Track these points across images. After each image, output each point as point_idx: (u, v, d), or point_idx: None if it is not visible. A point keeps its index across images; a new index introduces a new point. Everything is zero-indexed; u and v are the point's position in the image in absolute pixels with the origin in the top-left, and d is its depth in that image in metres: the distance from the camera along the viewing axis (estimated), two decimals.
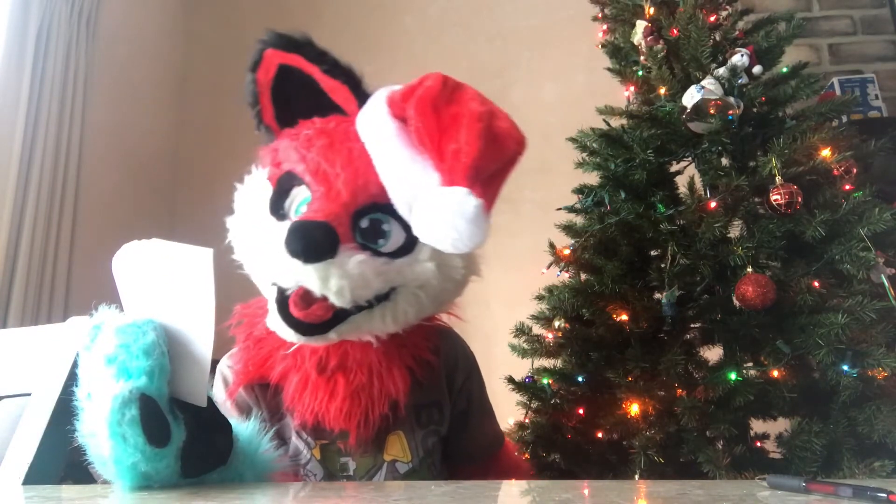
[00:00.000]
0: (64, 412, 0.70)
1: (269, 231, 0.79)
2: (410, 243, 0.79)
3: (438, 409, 0.93)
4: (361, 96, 0.85)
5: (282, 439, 0.87)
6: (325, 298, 0.74)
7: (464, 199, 0.69)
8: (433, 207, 0.71)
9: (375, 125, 0.80)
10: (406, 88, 0.78)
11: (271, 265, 0.76)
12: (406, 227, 0.78)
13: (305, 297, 0.75)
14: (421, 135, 0.74)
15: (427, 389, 0.91)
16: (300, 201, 0.81)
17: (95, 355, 0.58)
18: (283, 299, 0.76)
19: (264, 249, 0.78)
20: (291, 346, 0.83)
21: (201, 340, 0.60)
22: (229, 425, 0.66)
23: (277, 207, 0.82)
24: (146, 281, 0.63)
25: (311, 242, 0.72)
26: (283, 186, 0.82)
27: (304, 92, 0.87)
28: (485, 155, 0.72)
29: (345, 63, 0.85)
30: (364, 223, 0.79)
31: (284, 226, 0.77)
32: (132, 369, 0.56)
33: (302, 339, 0.79)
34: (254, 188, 0.86)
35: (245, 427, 0.70)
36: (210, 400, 0.62)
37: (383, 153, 0.78)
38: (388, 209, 0.78)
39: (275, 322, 0.78)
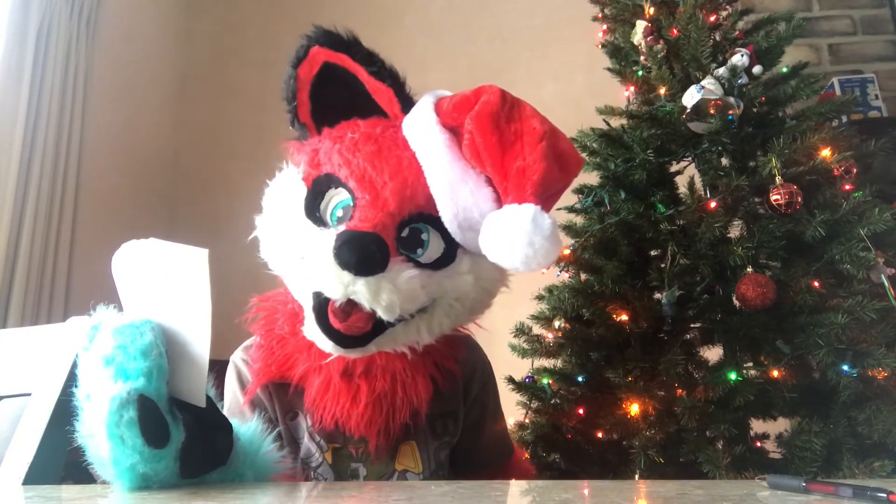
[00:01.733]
0: (64, 412, 0.70)
1: (311, 237, 0.77)
2: (450, 255, 0.79)
3: (454, 419, 0.92)
4: (404, 99, 0.84)
5: (293, 440, 0.87)
6: (365, 311, 0.73)
7: (539, 217, 0.69)
8: (506, 225, 0.70)
9: (425, 134, 0.79)
10: (460, 99, 0.77)
11: (317, 274, 0.73)
12: (445, 237, 0.78)
13: (345, 307, 0.73)
14: (480, 151, 0.73)
15: (445, 399, 0.89)
16: (336, 205, 0.79)
17: (93, 356, 0.58)
18: (321, 309, 0.74)
19: (307, 256, 0.75)
20: (314, 347, 0.80)
21: (199, 341, 0.60)
22: (229, 425, 0.65)
23: (313, 210, 0.80)
24: (144, 281, 0.63)
25: (367, 256, 0.70)
26: (319, 188, 0.81)
27: (346, 92, 0.85)
28: (551, 174, 0.72)
29: (390, 65, 0.84)
30: (405, 232, 0.77)
31: (327, 233, 0.75)
32: (130, 370, 0.56)
33: (342, 351, 0.77)
34: (286, 187, 0.84)
35: (246, 428, 0.70)
36: (210, 400, 0.62)
37: (434, 165, 0.77)
38: (430, 220, 0.78)
39: (313, 332, 0.76)
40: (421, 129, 0.79)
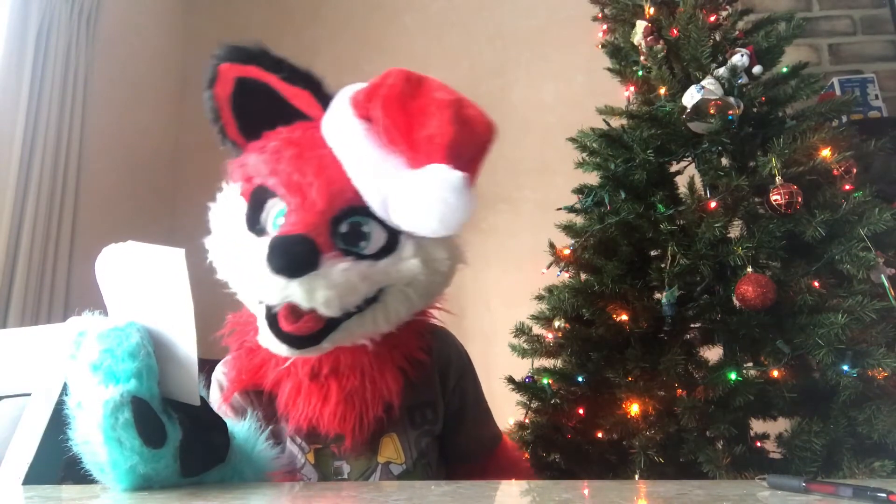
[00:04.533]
0: (64, 412, 0.70)
1: (250, 248, 0.78)
2: (393, 242, 0.79)
3: (432, 408, 0.93)
4: (324, 99, 0.84)
5: (278, 442, 0.87)
6: (313, 310, 0.74)
7: (447, 173, 0.70)
8: (416, 188, 0.71)
9: (342, 129, 0.80)
10: (370, 87, 0.79)
11: (256, 284, 0.75)
12: (386, 226, 0.78)
13: (294, 310, 0.74)
14: (391, 132, 0.75)
15: (420, 389, 0.91)
16: (276, 213, 0.80)
17: (81, 364, 0.58)
18: (272, 316, 0.76)
19: (247, 268, 0.77)
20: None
21: (184, 340, 0.60)
22: (224, 424, 0.66)
23: (254, 222, 0.81)
24: (126, 284, 0.63)
25: (293, 258, 0.71)
26: (258, 200, 0.82)
27: (265, 102, 0.86)
28: (459, 138, 0.73)
29: (303, 68, 0.85)
30: (344, 228, 0.78)
31: (265, 241, 0.76)
32: (119, 373, 0.56)
33: (296, 352, 0.78)
34: (228, 205, 0.85)
35: (241, 426, 0.70)
36: (203, 399, 0.63)
37: (353, 156, 0.78)
38: (365, 211, 0.78)
39: (267, 339, 0.78)
40: (338, 125, 0.81)
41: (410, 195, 0.72)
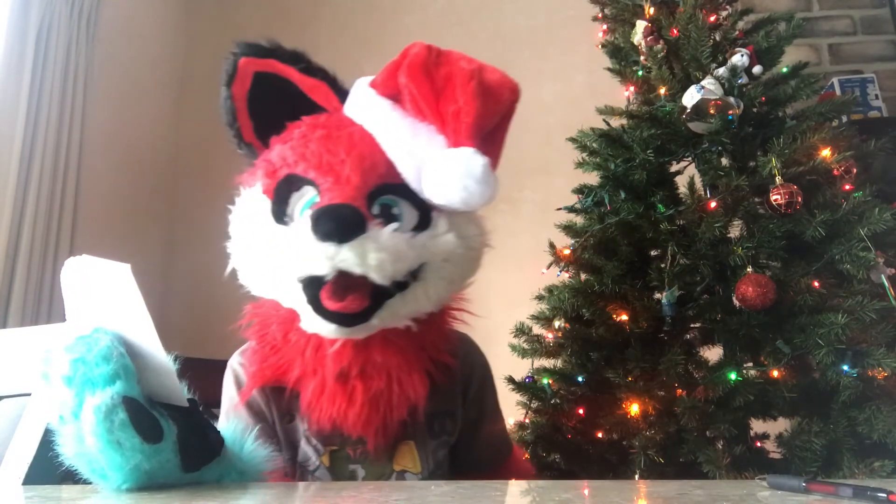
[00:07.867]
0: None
1: (282, 236, 0.77)
2: (426, 219, 0.79)
3: (451, 418, 0.91)
4: (340, 92, 0.87)
5: (291, 443, 0.86)
6: (360, 286, 0.73)
7: (471, 159, 0.73)
8: (442, 170, 0.74)
9: (368, 108, 0.82)
10: (391, 64, 0.80)
11: (300, 259, 0.73)
12: (417, 205, 0.79)
13: (338, 290, 0.73)
14: (418, 101, 0.77)
15: (442, 398, 0.88)
16: (304, 203, 0.79)
17: (53, 379, 0.57)
18: (315, 298, 0.74)
19: (285, 250, 0.75)
20: (308, 351, 0.81)
21: (154, 348, 0.60)
22: (210, 422, 0.66)
23: (280, 215, 0.79)
24: (88, 298, 0.63)
25: (342, 221, 0.71)
26: (283, 193, 0.80)
27: (283, 98, 0.86)
28: (484, 110, 0.76)
29: (317, 63, 0.87)
30: (375, 209, 0.77)
31: (296, 226, 0.76)
32: (96, 378, 0.55)
33: (345, 331, 0.76)
34: (248, 206, 0.83)
35: (227, 428, 0.70)
36: (193, 400, 0.63)
37: (385, 130, 0.80)
38: (398, 189, 0.78)
39: (311, 322, 0.76)
40: (362, 104, 0.82)
41: (436, 175, 0.75)
